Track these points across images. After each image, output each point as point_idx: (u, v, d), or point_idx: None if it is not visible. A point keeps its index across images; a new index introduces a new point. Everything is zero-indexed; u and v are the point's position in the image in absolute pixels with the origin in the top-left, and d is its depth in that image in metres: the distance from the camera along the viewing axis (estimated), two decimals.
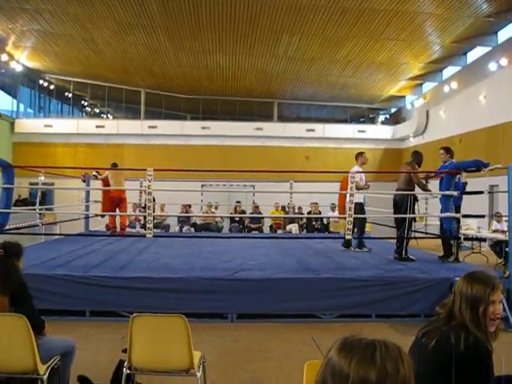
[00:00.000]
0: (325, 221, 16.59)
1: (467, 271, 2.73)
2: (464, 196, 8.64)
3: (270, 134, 23.95)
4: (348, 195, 8.83)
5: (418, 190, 9.23)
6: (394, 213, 9.12)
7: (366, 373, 1.22)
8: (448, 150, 9.05)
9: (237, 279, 6.97)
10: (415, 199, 9.01)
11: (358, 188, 9.29)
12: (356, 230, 10.05)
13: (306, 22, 15.86)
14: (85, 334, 5.93)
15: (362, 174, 9.69)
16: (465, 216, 8.77)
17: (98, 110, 30.06)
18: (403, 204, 8.82)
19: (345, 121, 27.31)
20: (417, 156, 9.32)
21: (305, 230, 16.58)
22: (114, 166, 12.42)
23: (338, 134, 24.52)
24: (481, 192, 8.77)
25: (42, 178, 14.14)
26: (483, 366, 2.40)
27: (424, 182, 9.29)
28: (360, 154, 10.03)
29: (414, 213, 9.02)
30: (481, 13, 15.04)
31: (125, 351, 3.78)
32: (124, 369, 3.76)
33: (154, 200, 8.45)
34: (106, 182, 12.00)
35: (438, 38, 17.27)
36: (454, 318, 2.54)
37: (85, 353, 4.59)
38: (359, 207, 9.62)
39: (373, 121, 28.31)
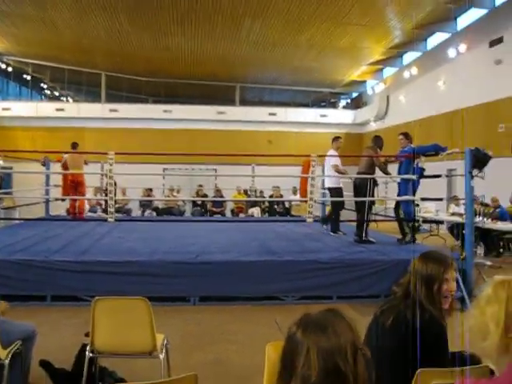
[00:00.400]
0: (286, 204, 16.73)
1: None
2: (422, 180, 8.83)
3: (232, 118, 23.91)
4: (310, 179, 8.92)
5: (378, 174, 9.39)
6: (355, 196, 9.28)
7: (320, 342, 1.41)
8: (407, 136, 9.21)
9: (199, 262, 7.01)
10: (375, 183, 9.19)
11: (338, 172, 9.47)
12: (333, 214, 10.28)
13: (269, 5, 15.80)
14: (46, 318, 5.89)
15: (338, 158, 9.78)
16: (423, 199, 9.00)
17: (57, 93, 29.50)
18: (363, 187, 8.98)
19: (307, 105, 27.44)
20: (377, 140, 9.48)
21: (267, 214, 16.69)
22: (74, 145, 12.11)
23: (300, 118, 24.65)
24: (439, 176, 8.98)
25: (1, 162, 13.87)
26: (439, 341, 2.51)
27: (385, 165, 9.45)
28: (336, 139, 10.11)
29: (373, 196, 9.20)
30: None
31: (87, 335, 3.79)
32: (87, 352, 3.77)
33: (115, 184, 8.40)
34: (65, 166, 11.81)
35: (398, 23, 17.43)
36: (409, 296, 2.64)
37: (47, 337, 4.58)
38: (338, 192, 9.83)
39: (334, 105, 28.52)
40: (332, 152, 9.84)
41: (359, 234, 9.12)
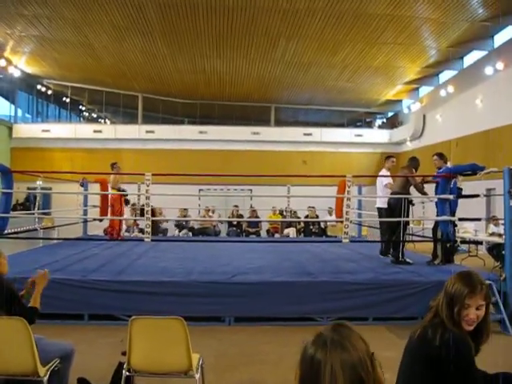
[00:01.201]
0: (322, 225, 16.64)
1: None
2: (460, 200, 8.70)
3: (267, 139, 24.04)
4: (345, 199, 8.86)
5: (414, 194, 9.29)
6: (389, 216, 9.17)
7: (342, 358, 1.44)
8: (441, 156, 9.10)
9: (234, 283, 7.00)
10: (410, 203, 9.08)
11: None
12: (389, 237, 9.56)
13: (303, 26, 15.95)
14: (83, 337, 5.96)
15: (391, 178, 9.71)
16: (461, 219, 8.83)
17: (95, 115, 30.13)
18: (398, 207, 8.89)
19: (342, 125, 27.41)
20: (413, 161, 9.41)
21: (302, 234, 16.62)
22: (114, 165, 12.30)
23: (335, 138, 24.63)
24: (477, 195, 8.82)
25: (40, 183, 14.18)
26: (461, 362, 2.43)
27: (421, 185, 9.33)
28: (388, 158, 10.09)
29: (408, 216, 9.09)
30: (477, 17, 15.15)
31: (124, 354, 3.82)
32: (123, 371, 3.80)
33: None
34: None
35: (434, 42, 17.38)
36: (437, 314, 2.59)
37: (84, 356, 4.62)
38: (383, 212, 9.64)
39: (370, 125, 28.43)
40: (384, 172, 9.84)
41: (396, 254, 9.00)
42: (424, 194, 9.40)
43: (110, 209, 11.82)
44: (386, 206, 9.40)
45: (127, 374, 3.80)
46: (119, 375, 3.89)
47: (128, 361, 3.77)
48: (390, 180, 9.59)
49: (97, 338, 6.06)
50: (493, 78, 16.14)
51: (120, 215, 12.04)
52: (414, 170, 9.26)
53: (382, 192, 9.69)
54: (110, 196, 11.71)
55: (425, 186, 9.75)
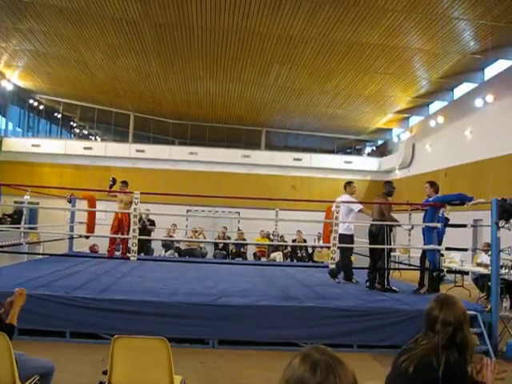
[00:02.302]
0: (309, 250, 16.63)
1: None
2: (448, 229, 8.74)
3: (257, 162, 24.10)
4: (333, 224, 8.86)
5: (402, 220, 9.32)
6: (371, 243, 9.16)
7: (309, 379, 1.41)
8: (433, 184, 9.16)
9: (219, 305, 6.95)
10: (390, 229, 9.12)
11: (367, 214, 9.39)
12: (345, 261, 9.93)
13: (297, 52, 16.13)
14: (65, 354, 5.87)
15: (359, 205, 9.67)
16: (448, 249, 8.87)
17: (86, 132, 30.10)
18: (380, 234, 8.93)
19: (332, 151, 27.57)
20: (387, 187, 9.52)
21: (289, 259, 16.60)
22: (124, 184, 12.32)
23: (325, 164, 24.74)
24: (464, 225, 8.87)
25: (28, 197, 14.08)
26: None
27: (391, 215, 9.33)
28: (348, 184, 10.12)
29: (390, 243, 9.12)
30: (468, 50, 15.39)
31: (105, 373, 3.76)
32: None
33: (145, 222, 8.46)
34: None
35: (425, 72, 17.60)
36: (431, 341, 2.61)
37: (64, 374, 4.56)
38: (351, 239, 9.64)
39: (359, 152, 28.61)
40: (347, 197, 9.77)
41: (381, 282, 9.00)
42: (394, 220, 9.37)
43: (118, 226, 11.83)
44: (347, 232, 9.41)
45: None
46: None
47: (109, 380, 3.71)
48: (360, 206, 9.60)
49: (78, 356, 5.98)
50: (482, 110, 16.33)
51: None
52: (388, 198, 9.34)
53: (346, 217, 9.56)
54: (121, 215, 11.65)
55: (412, 214, 9.77)
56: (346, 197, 9.83)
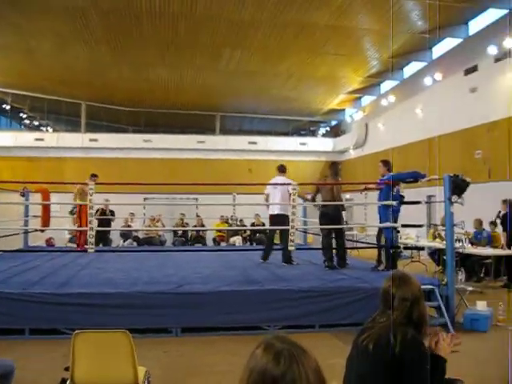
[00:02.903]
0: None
1: None
2: (403, 206, 8.90)
3: (212, 147, 23.98)
4: (291, 207, 8.90)
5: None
6: (328, 224, 9.22)
7: (272, 369, 1.39)
8: (386, 163, 9.30)
9: (180, 293, 6.95)
10: (343, 209, 9.51)
11: (304, 198, 9.60)
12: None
13: (248, 36, 16.04)
14: (25, 352, 5.78)
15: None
16: (404, 226, 9.04)
17: (37, 123, 29.35)
18: (338, 215, 9.28)
19: (286, 133, 27.60)
20: (334, 168, 9.78)
21: (248, 243, 16.65)
22: (94, 176, 12.03)
23: (280, 146, 24.75)
24: (419, 202, 9.06)
25: None
26: (423, 363, 2.54)
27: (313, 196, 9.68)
28: (283, 166, 10.32)
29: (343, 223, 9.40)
30: (416, 29, 15.56)
31: (67, 369, 3.72)
32: None
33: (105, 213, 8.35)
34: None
35: (376, 52, 17.75)
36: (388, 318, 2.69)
37: (25, 372, 4.49)
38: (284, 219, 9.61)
39: (314, 133, 28.74)
40: (283, 179, 9.88)
41: (344, 260, 9.35)
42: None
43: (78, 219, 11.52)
44: (286, 213, 9.33)
45: None
46: None
47: (71, 376, 3.67)
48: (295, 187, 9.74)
49: (39, 354, 5.89)
50: (432, 88, 16.60)
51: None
52: (339, 178, 9.68)
53: (285, 199, 9.58)
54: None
55: (367, 193, 9.91)
56: (282, 178, 9.97)
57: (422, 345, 2.59)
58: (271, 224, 10.08)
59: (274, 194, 9.90)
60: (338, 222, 9.19)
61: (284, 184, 9.62)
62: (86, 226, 11.35)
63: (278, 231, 10.53)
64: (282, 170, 10.22)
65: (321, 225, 9.50)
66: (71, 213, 11.35)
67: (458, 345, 2.82)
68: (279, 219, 9.61)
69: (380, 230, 9.34)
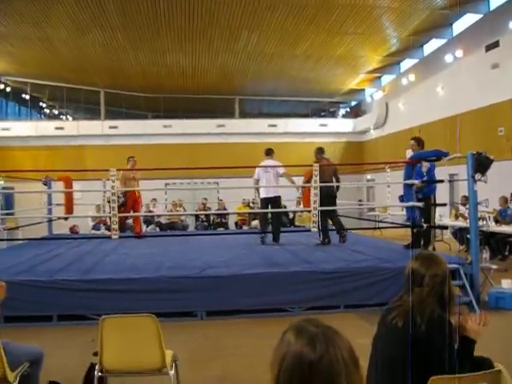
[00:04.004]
0: (290, 215, 16.68)
1: None
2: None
3: (232, 131, 23.96)
4: (313, 188, 8.89)
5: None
6: (327, 204, 9.25)
7: (309, 353, 1.36)
8: (419, 141, 9.16)
9: (204, 277, 6.98)
10: (338, 189, 9.98)
11: (290, 180, 9.83)
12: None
13: (265, 17, 15.91)
14: (53, 339, 5.86)
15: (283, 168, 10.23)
16: (427, 205, 8.94)
17: (56, 112, 29.56)
18: (335, 194, 9.79)
19: (306, 115, 27.47)
20: (321, 152, 10.09)
21: (270, 225, 16.64)
22: (129, 159, 12.09)
23: (300, 128, 24.69)
24: (441, 181, 8.95)
25: (2, 183, 13.87)
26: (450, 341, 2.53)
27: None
28: (271, 149, 10.64)
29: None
30: (436, 5, 15.32)
31: (95, 354, 3.76)
32: (95, 372, 3.74)
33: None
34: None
35: (394, 31, 17.53)
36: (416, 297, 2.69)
37: (54, 358, 4.54)
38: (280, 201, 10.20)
39: (334, 114, 28.59)
40: (274, 162, 10.19)
41: (344, 236, 9.89)
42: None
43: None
44: (278, 194, 10.01)
45: (99, 374, 3.74)
46: (91, 376, 3.83)
47: (100, 361, 3.72)
48: (283, 169, 10.13)
49: (67, 340, 5.97)
50: (453, 66, 16.37)
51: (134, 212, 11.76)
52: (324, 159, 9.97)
53: (275, 182, 9.99)
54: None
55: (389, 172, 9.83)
56: (272, 161, 10.21)
57: (449, 324, 2.57)
58: (265, 207, 10.22)
59: (267, 177, 10.10)
60: (334, 201, 9.66)
61: (276, 166, 10.04)
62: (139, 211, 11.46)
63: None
64: (269, 153, 10.50)
65: None
66: (122, 204, 11.16)
67: (486, 325, 2.80)
68: (275, 201, 10.05)
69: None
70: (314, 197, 8.67)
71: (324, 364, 1.35)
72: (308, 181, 9.67)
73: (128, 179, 11.46)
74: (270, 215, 10.74)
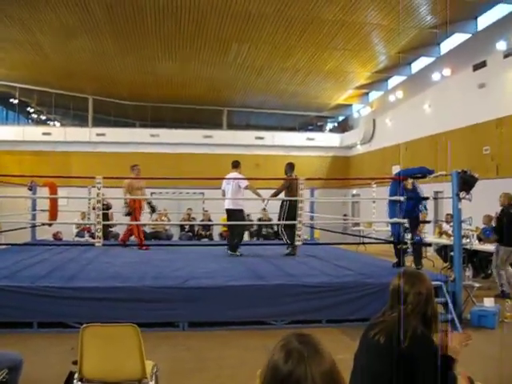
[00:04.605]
0: (275, 227, 16.68)
1: None
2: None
3: (219, 142, 23.96)
4: (298, 201, 8.93)
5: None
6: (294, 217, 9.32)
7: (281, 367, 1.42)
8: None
9: (187, 287, 6.96)
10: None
11: (255, 193, 9.95)
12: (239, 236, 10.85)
13: (255, 30, 15.99)
14: (33, 346, 5.81)
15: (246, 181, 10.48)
16: (411, 222, 8.99)
17: (44, 117, 29.39)
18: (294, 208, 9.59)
19: (294, 129, 27.54)
20: (291, 167, 10.60)
21: (255, 238, 16.65)
22: (133, 168, 11.86)
23: (287, 141, 24.74)
24: (427, 198, 9.02)
25: None
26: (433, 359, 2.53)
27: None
28: (237, 162, 10.95)
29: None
30: (425, 24, 15.49)
31: (75, 363, 3.73)
32: (74, 380, 3.71)
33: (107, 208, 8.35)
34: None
35: (383, 48, 17.70)
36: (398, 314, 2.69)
37: (33, 366, 4.50)
38: (242, 213, 10.51)
39: (321, 129, 28.69)
40: (236, 175, 10.43)
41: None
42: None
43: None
44: (238, 207, 10.33)
45: (79, 383, 3.70)
46: None
47: (79, 370, 3.68)
48: (246, 182, 10.38)
49: (46, 347, 5.91)
50: (440, 84, 16.54)
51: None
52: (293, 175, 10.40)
53: (236, 194, 10.26)
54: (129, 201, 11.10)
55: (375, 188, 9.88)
56: (234, 174, 10.43)
57: (431, 341, 2.58)
58: (228, 217, 10.65)
59: (227, 189, 10.43)
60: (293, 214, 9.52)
61: (236, 179, 10.29)
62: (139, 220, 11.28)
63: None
64: (234, 165, 10.76)
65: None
66: (128, 214, 10.95)
67: (467, 345, 2.83)
68: (233, 213, 10.33)
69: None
70: (299, 210, 8.73)
71: (292, 380, 1.37)
72: (277, 194, 10.11)
73: (134, 189, 11.23)
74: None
